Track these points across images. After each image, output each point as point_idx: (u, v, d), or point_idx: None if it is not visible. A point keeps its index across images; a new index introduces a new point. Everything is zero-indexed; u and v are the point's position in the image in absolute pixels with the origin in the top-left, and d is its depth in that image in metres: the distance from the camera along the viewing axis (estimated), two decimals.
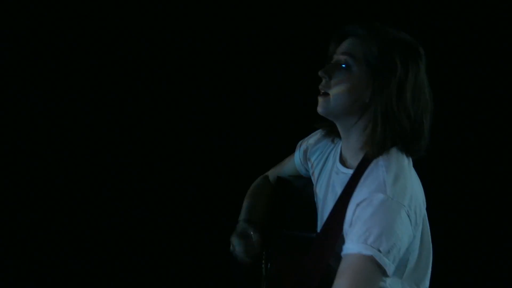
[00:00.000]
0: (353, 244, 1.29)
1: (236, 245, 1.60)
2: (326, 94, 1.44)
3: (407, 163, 1.43)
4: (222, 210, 2.38)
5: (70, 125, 2.49)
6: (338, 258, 1.35)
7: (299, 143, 1.74)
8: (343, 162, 1.51)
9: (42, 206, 2.49)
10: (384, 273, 1.29)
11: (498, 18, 2.31)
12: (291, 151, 1.78)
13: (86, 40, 2.44)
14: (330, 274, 1.34)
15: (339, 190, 1.46)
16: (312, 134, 1.71)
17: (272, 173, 1.84)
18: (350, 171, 1.45)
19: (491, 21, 2.32)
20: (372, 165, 1.39)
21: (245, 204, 1.73)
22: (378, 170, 1.37)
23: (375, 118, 1.40)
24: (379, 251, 1.27)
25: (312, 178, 1.65)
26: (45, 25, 2.40)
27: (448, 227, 2.29)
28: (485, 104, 2.37)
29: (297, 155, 1.74)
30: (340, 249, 1.35)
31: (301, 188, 1.72)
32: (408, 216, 1.33)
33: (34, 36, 2.41)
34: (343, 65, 1.41)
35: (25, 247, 2.48)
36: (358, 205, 1.33)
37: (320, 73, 1.44)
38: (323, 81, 1.44)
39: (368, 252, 1.27)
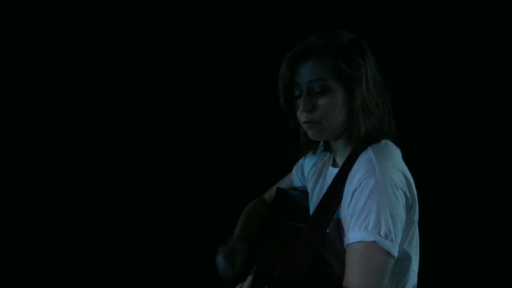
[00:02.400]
0: (355, 233, 1.32)
1: (220, 263, 1.62)
2: (317, 123, 1.45)
3: (396, 151, 1.47)
4: (221, 213, 2.40)
5: (70, 126, 2.51)
6: (328, 245, 1.42)
7: (297, 163, 1.80)
8: (336, 165, 1.57)
9: (42, 206, 2.51)
10: (390, 255, 1.32)
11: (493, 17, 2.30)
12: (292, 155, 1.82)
13: (85, 40, 2.46)
14: (319, 261, 1.40)
15: None
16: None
17: (267, 195, 1.87)
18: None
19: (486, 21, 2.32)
20: (361, 155, 1.43)
21: (240, 221, 1.75)
22: (367, 157, 1.40)
23: (356, 117, 1.44)
24: (380, 235, 1.30)
25: (308, 188, 1.70)
26: (45, 25, 2.43)
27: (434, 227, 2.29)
28: (474, 104, 2.37)
29: (295, 171, 1.80)
30: (330, 237, 1.42)
31: (295, 197, 1.76)
32: (404, 195, 1.37)
33: (34, 36, 2.44)
34: (320, 92, 1.43)
35: (25, 247, 2.51)
36: (353, 193, 1.37)
37: (302, 108, 1.44)
38: (307, 114, 1.45)
39: (370, 238, 1.30)
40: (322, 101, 1.42)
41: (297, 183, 1.79)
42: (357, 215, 1.33)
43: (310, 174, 1.69)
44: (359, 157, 1.43)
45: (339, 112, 1.43)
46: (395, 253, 1.32)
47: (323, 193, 1.52)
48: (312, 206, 1.63)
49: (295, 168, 1.80)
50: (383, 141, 1.46)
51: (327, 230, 1.44)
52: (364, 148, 1.44)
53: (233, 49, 2.47)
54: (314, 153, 1.69)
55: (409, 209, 1.39)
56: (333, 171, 1.54)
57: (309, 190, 1.69)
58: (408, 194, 1.38)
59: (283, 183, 1.85)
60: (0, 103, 2.46)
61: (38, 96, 2.47)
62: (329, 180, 1.56)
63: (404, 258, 1.44)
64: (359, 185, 1.35)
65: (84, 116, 2.50)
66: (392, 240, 1.31)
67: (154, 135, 2.54)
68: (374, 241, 1.29)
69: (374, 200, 1.32)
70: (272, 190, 1.85)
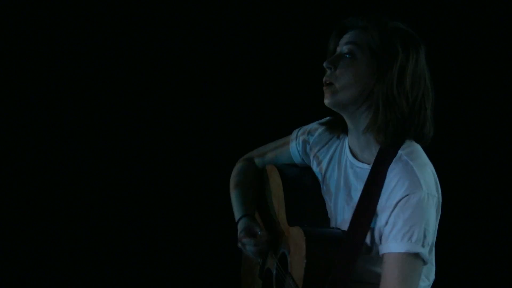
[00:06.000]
0: (398, 243, 1.33)
1: (247, 243, 1.61)
2: (331, 85, 1.45)
3: (423, 152, 1.46)
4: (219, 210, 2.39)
5: (70, 126, 2.50)
6: (365, 254, 1.40)
7: (295, 131, 1.73)
8: (354, 156, 1.52)
9: (42, 206, 2.49)
10: (425, 265, 1.37)
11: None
12: None
13: (85, 40, 2.44)
14: (356, 270, 1.38)
15: (357, 185, 1.47)
16: (310, 125, 1.70)
17: (258, 155, 1.81)
18: (366, 166, 1.46)
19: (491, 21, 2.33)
20: (395, 160, 1.41)
21: (234, 196, 1.73)
22: (406, 165, 1.39)
23: (377, 102, 1.42)
24: (423, 246, 1.33)
25: (317, 172, 1.64)
26: (45, 25, 2.41)
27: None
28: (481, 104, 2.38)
29: (294, 145, 1.72)
30: (367, 246, 1.40)
31: (298, 178, 1.69)
32: (437, 205, 1.39)
33: (34, 36, 2.41)
34: (347, 55, 1.44)
35: (24, 247, 2.49)
36: (396, 204, 1.36)
37: (325, 64, 1.46)
38: (328, 72, 1.45)
39: (414, 250, 1.32)
40: (344, 64, 1.43)
41: (297, 159, 1.72)
42: (400, 225, 1.34)
43: (319, 157, 1.64)
44: (393, 162, 1.40)
45: (356, 82, 1.42)
46: (433, 266, 1.40)
47: (341, 187, 1.51)
48: (329, 196, 1.58)
49: (294, 143, 1.72)
50: (408, 143, 1.44)
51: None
52: (394, 149, 1.42)
53: (231, 48, 2.48)
54: (320, 134, 1.65)
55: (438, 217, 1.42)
56: (355, 163, 1.51)
57: (319, 174, 1.63)
58: (439, 203, 1.40)
59: (279, 156, 1.76)
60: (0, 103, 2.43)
61: (38, 96, 2.45)
62: (349, 170, 1.52)
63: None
64: (406, 195, 1.35)
65: (84, 116, 2.48)
66: (430, 252, 1.36)
67: (153, 133, 2.52)
68: (418, 253, 1.33)
69: (420, 212, 1.34)
70: (264, 153, 1.78)
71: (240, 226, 1.66)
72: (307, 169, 1.68)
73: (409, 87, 1.42)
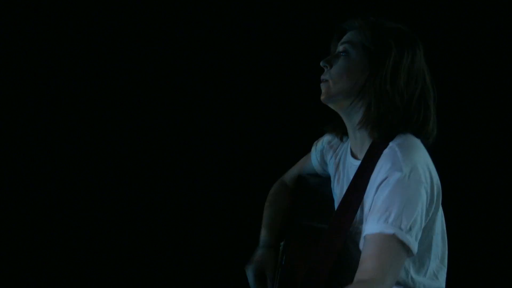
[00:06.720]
0: (374, 224, 1.30)
1: (250, 281, 1.63)
2: (326, 81, 1.50)
3: (419, 142, 1.45)
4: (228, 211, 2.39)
5: (70, 125, 2.50)
6: (351, 245, 1.40)
7: (315, 143, 1.78)
8: (354, 156, 1.55)
9: (42, 206, 2.49)
10: (408, 251, 1.30)
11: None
12: (297, 150, 1.83)
13: (85, 40, 2.45)
14: (341, 261, 1.37)
15: None
16: (326, 135, 1.75)
17: (288, 176, 1.85)
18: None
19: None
20: (385, 150, 1.40)
21: (265, 215, 1.75)
22: (392, 151, 1.38)
23: (369, 97, 1.44)
24: (400, 229, 1.28)
25: (332, 176, 1.68)
26: (45, 25, 2.42)
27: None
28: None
29: (314, 156, 1.77)
30: (353, 237, 1.40)
31: (317, 186, 1.75)
32: (426, 192, 1.35)
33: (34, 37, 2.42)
34: (342, 53, 1.49)
35: (24, 247, 2.49)
36: (377, 188, 1.35)
37: (321, 63, 1.51)
38: (325, 70, 1.50)
39: (389, 230, 1.28)
40: (338, 62, 1.49)
41: (320, 171, 1.77)
42: (378, 207, 1.32)
43: (330, 162, 1.69)
44: (383, 154, 1.40)
45: (347, 77, 1.46)
46: (415, 249, 1.31)
47: (344, 187, 1.51)
48: (337, 199, 1.61)
49: (314, 154, 1.77)
50: (402, 135, 1.43)
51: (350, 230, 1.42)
52: (385, 143, 1.41)
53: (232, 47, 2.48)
54: (331, 140, 1.70)
55: (428, 205, 1.37)
56: (353, 162, 1.53)
57: (332, 175, 1.68)
58: (429, 191, 1.36)
59: (304, 169, 1.82)
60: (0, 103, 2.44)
61: (38, 96, 2.46)
62: (349, 170, 1.55)
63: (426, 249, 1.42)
64: (385, 178, 1.34)
65: (84, 116, 2.49)
66: (412, 236, 1.29)
67: (154, 133, 2.52)
68: (394, 234, 1.28)
69: (398, 193, 1.31)
70: (293, 172, 1.84)
71: (257, 254, 1.67)
72: (326, 178, 1.73)
73: (403, 84, 1.43)
